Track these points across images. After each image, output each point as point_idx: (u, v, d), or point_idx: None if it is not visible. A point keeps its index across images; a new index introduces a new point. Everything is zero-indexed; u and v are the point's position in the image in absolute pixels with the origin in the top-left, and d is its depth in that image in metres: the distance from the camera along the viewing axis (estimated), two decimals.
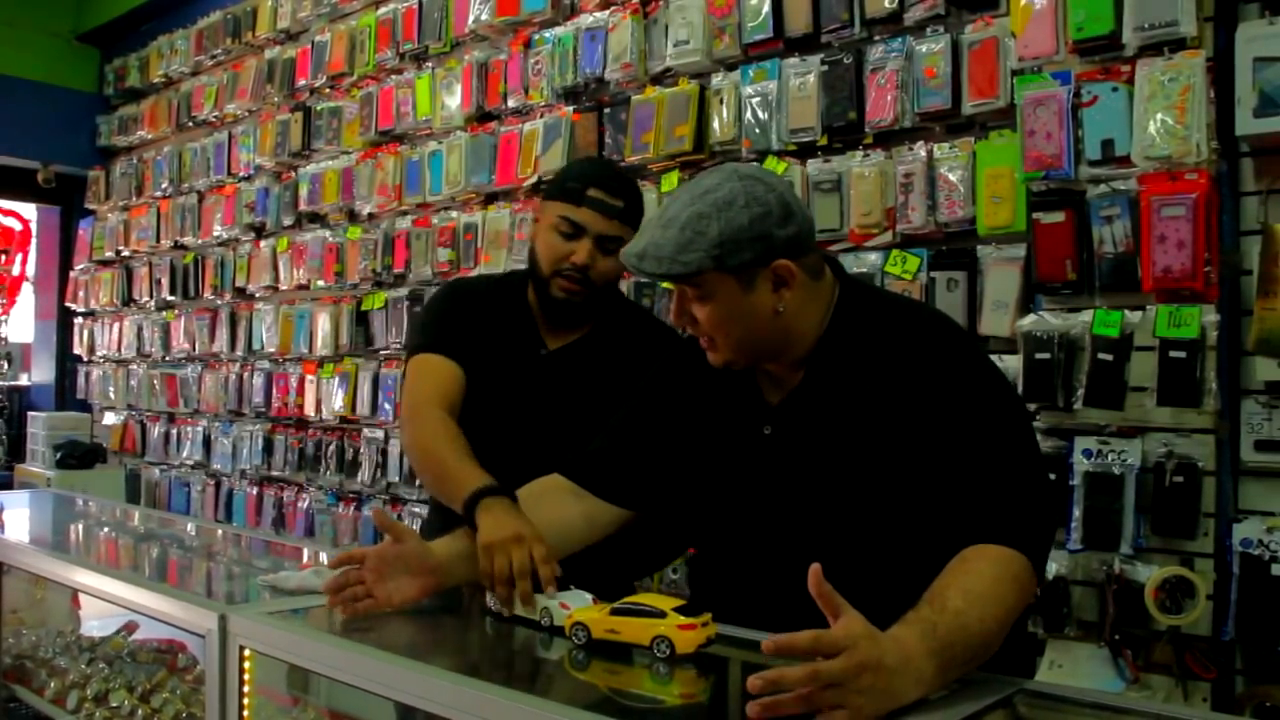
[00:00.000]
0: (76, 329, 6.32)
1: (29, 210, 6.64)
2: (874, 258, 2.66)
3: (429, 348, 2.04)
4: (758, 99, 2.90)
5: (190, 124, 5.45)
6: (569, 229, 1.95)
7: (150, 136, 5.82)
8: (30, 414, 6.11)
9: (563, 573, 1.53)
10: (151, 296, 5.63)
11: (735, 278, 1.41)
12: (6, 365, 6.59)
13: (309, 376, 4.50)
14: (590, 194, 1.94)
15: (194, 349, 5.28)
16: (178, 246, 5.47)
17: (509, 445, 1.92)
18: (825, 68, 2.77)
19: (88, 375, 6.23)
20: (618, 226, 1.96)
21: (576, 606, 1.43)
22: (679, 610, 1.30)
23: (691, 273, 1.40)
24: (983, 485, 1.36)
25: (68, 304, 6.39)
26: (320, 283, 4.45)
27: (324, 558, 2.19)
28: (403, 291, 4.05)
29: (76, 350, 6.33)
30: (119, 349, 5.90)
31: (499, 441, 1.93)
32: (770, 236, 1.41)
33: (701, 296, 1.44)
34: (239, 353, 4.99)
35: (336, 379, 4.32)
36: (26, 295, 6.69)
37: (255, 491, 4.82)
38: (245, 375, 4.93)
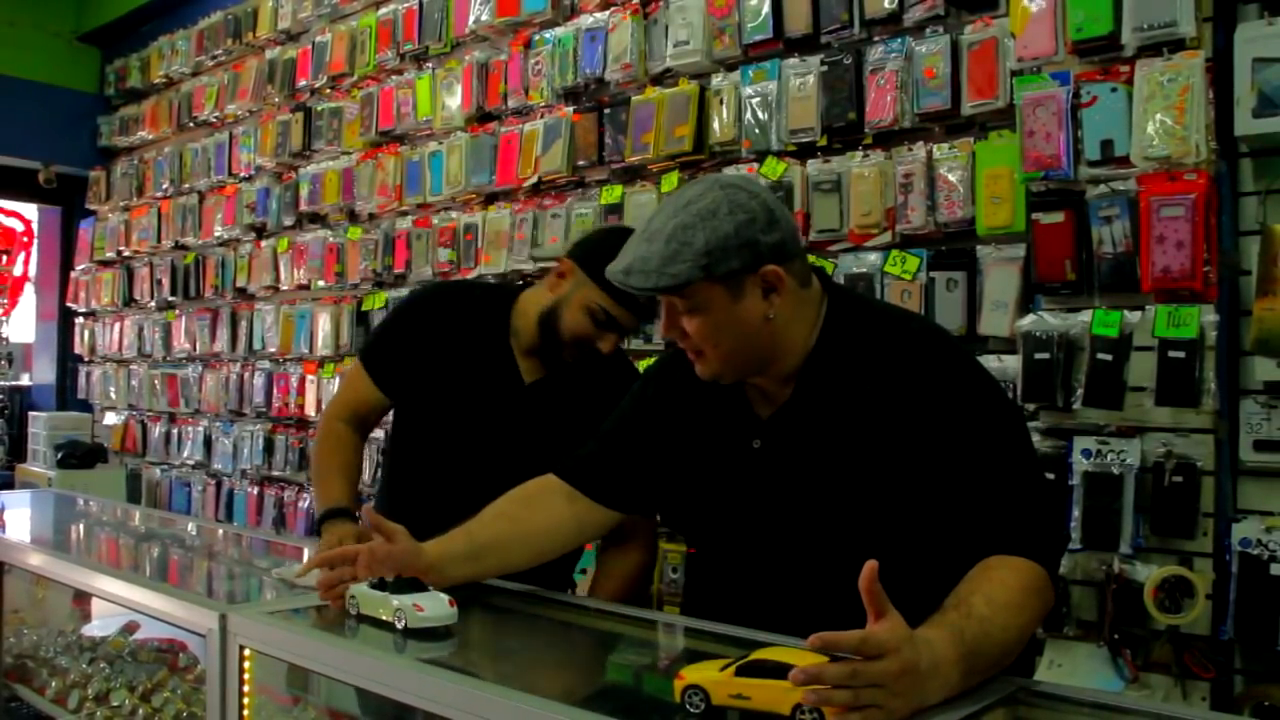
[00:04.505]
0: (77, 329, 6.33)
1: (30, 210, 6.65)
2: (874, 258, 2.66)
3: (367, 363, 2.17)
4: (757, 99, 2.90)
5: (191, 124, 5.46)
6: (604, 319, 1.97)
7: (151, 137, 5.82)
8: (31, 414, 6.11)
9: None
10: (152, 296, 5.64)
11: (724, 286, 1.40)
12: (8, 365, 6.60)
13: (310, 376, 4.50)
14: (641, 299, 1.92)
15: (195, 349, 5.28)
16: (178, 247, 5.47)
17: (487, 473, 1.92)
18: (825, 68, 2.78)
19: (89, 375, 6.24)
20: (645, 323, 2.10)
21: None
22: None
23: (680, 284, 1.38)
24: (992, 497, 1.36)
25: (69, 304, 6.40)
26: (321, 283, 4.46)
27: None
28: (403, 291, 4.05)
29: (78, 350, 6.34)
30: (120, 349, 5.91)
31: (477, 469, 2.01)
32: (757, 243, 1.40)
33: (691, 308, 1.42)
34: (240, 353, 5.00)
35: (337, 379, 4.32)
36: (28, 295, 6.70)
37: (256, 491, 4.83)
38: (246, 375, 4.93)
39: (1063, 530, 1.50)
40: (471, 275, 3.73)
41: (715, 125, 3.01)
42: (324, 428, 2.20)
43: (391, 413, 2.26)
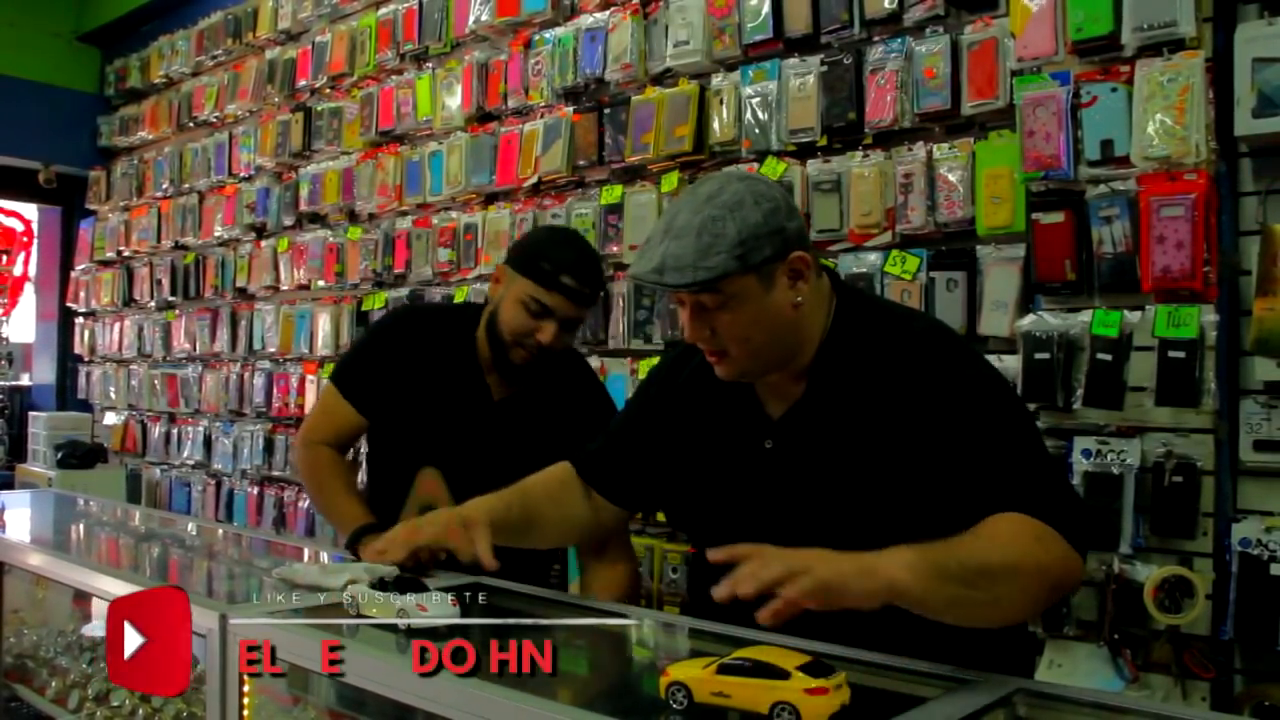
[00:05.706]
0: (77, 329, 6.33)
1: (30, 210, 6.64)
2: (874, 258, 2.66)
3: (342, 387, 2.21)
4: (757, 99, 2.90)
5: (191, 124, 5.46)
6: (537, 309, 2.02)
7: (151, 137, 5.82)
8: (31, 414, 6.11)
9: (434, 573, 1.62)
10: (152, 296, 5.64)
11: (757, 276, 1.40)
12: (8, 365, 6.59)
13: (310, 376, 4.50)
14: (563, 280, 2.00)
15: (195, 349, 5.28)
16: (178, 247, 5.47)
17: (460, 489, 1.99)
18: (825, 68, 2.78)
19: (89, 375, 6.24)
20: (583, 311, 2.08)
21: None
22: (804, 669, 1.08)
23: (716, 277, 1.37)
24: (995, 476, 1.35)
25: (69, 304, 6.40)
26: (321, 283, 4.46)
27: (325, 557, 2.19)
28: (403, 291, 4.05)
29: (77, 350, 6.34)
30: (120, 349, 5.91)
31: (451, 485, 2.08)
32: (784, 230, 1.42)
33: (722, 304, 1.41)
34: (240, 353, 5.00)
35: None
36: (28, 295, 6.70)
37: (256, 491, 4.83)
38: (246, 375, 4.93)
39: (1075, 499, 1.46)
40: (471, 275, 3.73)
41: (715, 125, 3.01)
42: (308, 454, 2.23)
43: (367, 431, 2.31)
